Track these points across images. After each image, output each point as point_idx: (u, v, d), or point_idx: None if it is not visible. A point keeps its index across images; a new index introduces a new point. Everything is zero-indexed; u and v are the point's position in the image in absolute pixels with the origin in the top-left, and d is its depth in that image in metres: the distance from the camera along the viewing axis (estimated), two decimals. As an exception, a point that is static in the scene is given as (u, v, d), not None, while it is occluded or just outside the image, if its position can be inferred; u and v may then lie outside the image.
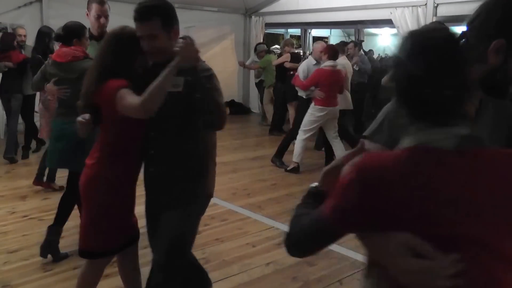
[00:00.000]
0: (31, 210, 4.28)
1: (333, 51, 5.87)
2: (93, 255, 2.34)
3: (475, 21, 1.26)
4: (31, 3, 7.44)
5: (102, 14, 3.48)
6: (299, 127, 6.04)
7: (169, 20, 2.13)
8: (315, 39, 14.30)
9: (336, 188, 1.07)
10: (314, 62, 6.44)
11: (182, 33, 5.42)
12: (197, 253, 3.36)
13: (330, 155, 6.28)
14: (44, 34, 4.89)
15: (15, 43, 5.86)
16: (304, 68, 6.44)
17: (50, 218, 4.13)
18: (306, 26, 12.77)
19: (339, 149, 5.94)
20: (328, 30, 16.03)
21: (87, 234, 2.30)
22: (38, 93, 5.03)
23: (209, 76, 2.16)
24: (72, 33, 3.32)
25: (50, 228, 3.41)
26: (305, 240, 1.16)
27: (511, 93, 1.28)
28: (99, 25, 3.43)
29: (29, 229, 3.87)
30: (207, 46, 9.17)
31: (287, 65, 7.99)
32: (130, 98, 2.03)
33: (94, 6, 3.46)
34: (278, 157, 6.32)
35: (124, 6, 8.23)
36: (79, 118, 2.21)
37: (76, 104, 2.29)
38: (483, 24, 1.24)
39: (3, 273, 3.15)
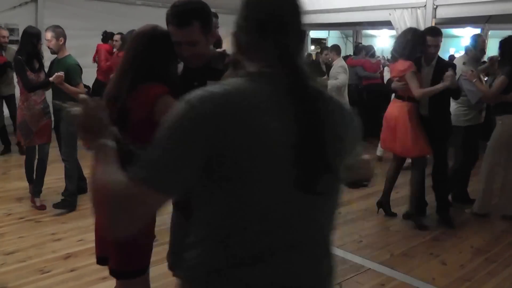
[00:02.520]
0: (28, 212, 4.25)
1: None
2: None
3: None
4: (26, 3, 7.41)
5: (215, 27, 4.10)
6: None
7: (208, 23, 1.94)
8: (313, 40, 14.32)
9: None
10: None
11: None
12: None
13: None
14: (31, 35, 4.37)
15: None
16: None
17: (46, 220, 4.10)
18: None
19: None
20: (326, 31, 16.04)
21: (123, 251, 1.99)
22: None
23: None
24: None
25: None
26: None
27: None
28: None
29: (26, 231, 3.83)
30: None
31: None
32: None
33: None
34: None
35: (116, 5, 8.24)
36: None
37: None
38: None
39: (0, 275, 3.12)
